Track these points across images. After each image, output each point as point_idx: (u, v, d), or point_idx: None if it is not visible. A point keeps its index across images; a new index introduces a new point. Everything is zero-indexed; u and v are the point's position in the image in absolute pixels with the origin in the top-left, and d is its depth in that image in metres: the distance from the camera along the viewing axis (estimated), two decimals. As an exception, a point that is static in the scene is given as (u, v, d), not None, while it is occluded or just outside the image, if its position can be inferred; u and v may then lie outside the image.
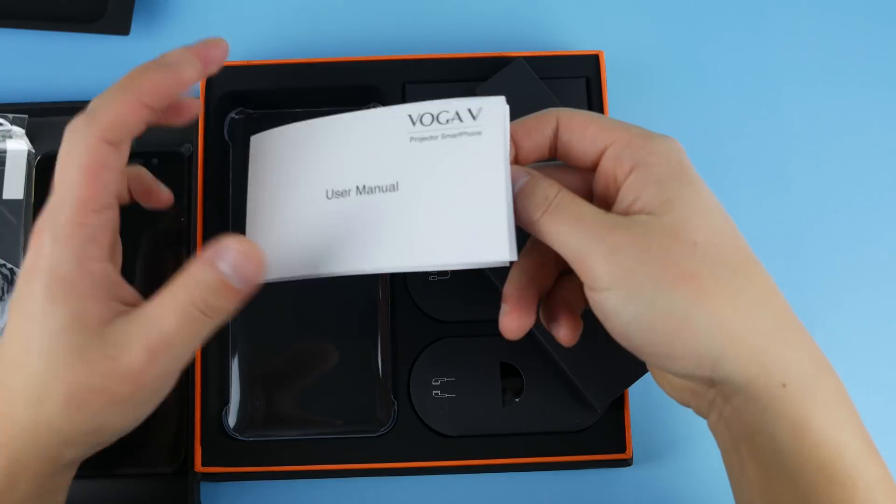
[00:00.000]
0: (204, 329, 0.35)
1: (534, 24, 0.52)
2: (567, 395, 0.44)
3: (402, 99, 0.48)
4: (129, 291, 0.36)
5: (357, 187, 0.36)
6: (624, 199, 0.34)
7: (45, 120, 0.49)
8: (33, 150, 0.48)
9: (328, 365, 0.45)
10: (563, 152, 0.36)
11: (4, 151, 0.48)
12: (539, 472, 0.45)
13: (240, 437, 0.44)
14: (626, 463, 0.44)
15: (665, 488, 0.46)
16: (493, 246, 0.34)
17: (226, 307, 0.35)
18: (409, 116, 0.36)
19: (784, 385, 0.33)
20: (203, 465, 0.44)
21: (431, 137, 0.36)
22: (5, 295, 0.46)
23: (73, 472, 0.37)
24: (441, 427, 0.44)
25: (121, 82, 0.35)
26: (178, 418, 0.45)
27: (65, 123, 0.48)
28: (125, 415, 0.35)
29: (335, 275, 0.36)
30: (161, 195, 0.41)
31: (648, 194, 0.33)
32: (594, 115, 0.36)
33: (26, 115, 0.48)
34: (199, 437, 0.44)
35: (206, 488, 0.45)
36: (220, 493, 0.46)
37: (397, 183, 0.36)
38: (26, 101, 0.49)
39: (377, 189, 0.36)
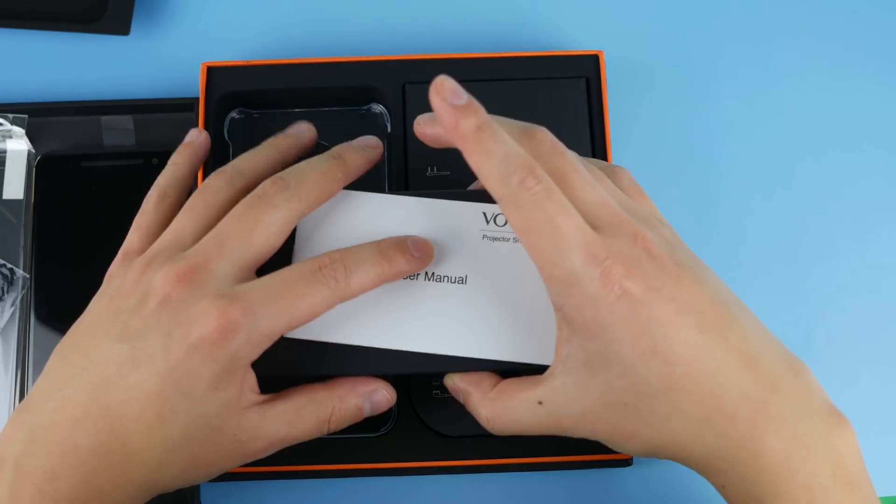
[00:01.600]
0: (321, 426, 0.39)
1: (533, 24, 0.52)
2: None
3: (402, 99, 0.48)
4: (259, 399, 0.37)
5: (427, 273, 0.39)
6: (556, 350, 0.37)
7: (45, 120, 0.49)
8: (33, 150, 0.48)
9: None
10: None
11: (4, 151, 0.48)
12: (539, 472, 0.45)
13: None
14: (626, 463, 0.44)
15: (665, 488, 0.46)
16: (543, 351, 0.38)
17: (344, 426, 0.39)
18: (484, 214, 0.40)
19: (723, 486, 0.36)
20: (203, 465, 0.44)
21: (503, 238, 0.39)
22: (5, 295, 0.46)
23: None
24: (441, 427, 0.44)
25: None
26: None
27: (65, 123, 0.49)
28: (215, 475, 0.38)
29: (385, 349, 0.39)
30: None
31: (573, 355, 0.36)
32: (548, 217, 0.34)
33: (26, 115, 0.48)
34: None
35: (206, 488, 0.45)
36: (220, 493, 0.46)
37: (466, 277, 0.39)
38: (26, 101, 0.49)
39: (446, 279, 0.39)
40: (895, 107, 0.52)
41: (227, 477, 0.44)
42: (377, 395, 0.39)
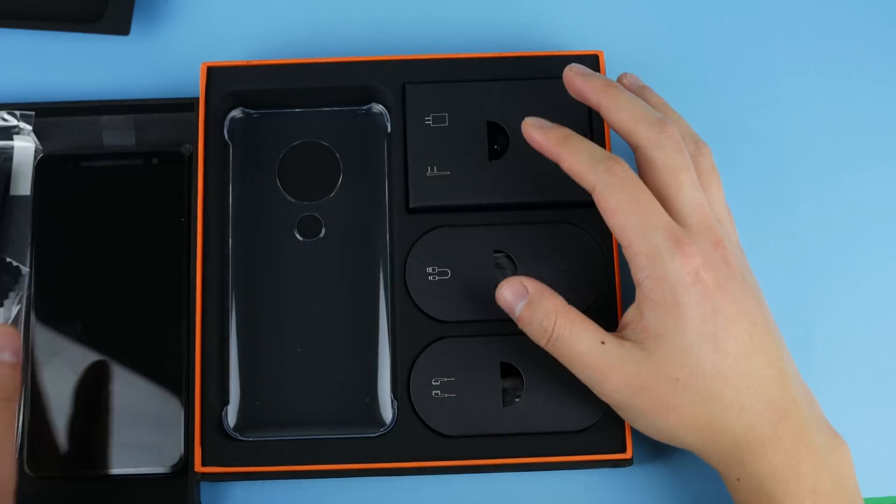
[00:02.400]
0: (11, 410, 0.39)
1: (533, 23, 0.52)
2: (567, 395, 0.44)
3: (403, 99, 0.48)
4: None
5: None
6: (630, 316, 0.41)
7: (45, 120, 0.49)
8: (41, 148, 0.48)
9: (328, 365, 0.45)
10: None
11: (12, 148, 0.48)
12: (539, 472, 0.45)
13: (240, 437, 0.44)
14: (627, 463, 0.44)
15: (665, 488, 0.46)
16: None
17: (14, 382, 0.40)
18: None
19: (738, 479, 0.40)
20: (203, 465, 0.44)
21: None
22: (11, 292, 0.47)
23: None
24: (441, 427, 0.44)
25: None
26: (178, 418, 0.45)
27: (65, 123, 0.49)
28: None
29: None
30: None
31: (645, 322, 0.40)
32: (629, 200, 0.40)
33: (34, 113, 0.48)
34: (199, 437, 0.44)
35: (205, 488, 0.45)
36: (220, 493, 0.46)
37: None
38: (26, 101, 0.49)
39: None
40: (895, 106, 0.52)
41: (227, 477, 0.44)
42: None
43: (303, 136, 0.48)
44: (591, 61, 0.48)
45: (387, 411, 0.44)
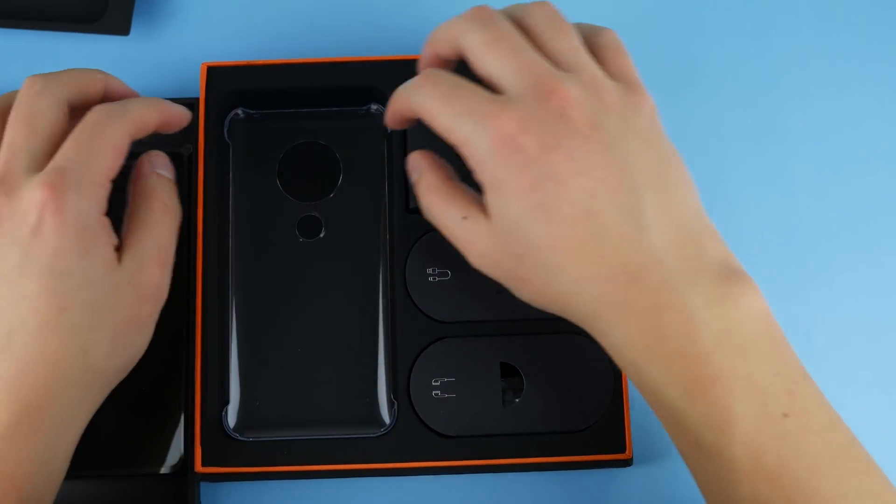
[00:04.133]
0: (178, 224, 0.41)
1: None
2: (567, 395, 0.44)
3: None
4: (115, 236, 0.39)
5: None
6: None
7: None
8: None
9: (328, 365, 0.45)
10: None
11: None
12: (539, 472, 0.45)
13: (240, 438, 0.44)
14: (626, 463, 0.44)
15: (665, 488, 0.46)
16: None
17: (176, 199, 0.41)
18: None
19: (607, 349, 0.37)
20: (203, 465, 0.44)
21: None
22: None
23: None
24: (441, 427, 0.44)
25: (150, 99, 0.42)
26: (178, 418, 0.45)
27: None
28: (148, 335, 0.40)
29: None
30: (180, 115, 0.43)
31: (485, 200, 0.37)
32: (451, 86, 0.38)
33: None
34: (199, 438, 0.44)
35: (206, 489, 0.45)
36: (220, 493, 0.46)
37: None
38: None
39: None
40: (895, 106, 0.52)
41: (228, 477, 0.44)
42: (157, 159, 0.42)
43: (303, 136, 0.48)
44: (592, 61, 0.48)
45: (386, 412, 0.44)
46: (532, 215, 0.35)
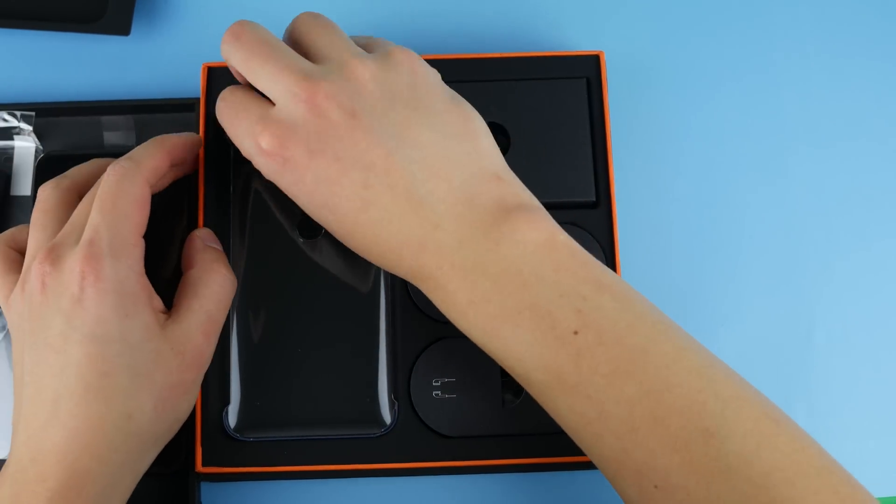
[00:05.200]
0: (230, 295, 0.42)
1: (534, 24, 0.52)
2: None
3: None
4: (158, 299, 0.40)
5: None
6: None
7: (46, 120, 0.49)
8: (41, 148, 0.48)
9: (328, 366, 0.45)
10: None
11: (12, 149, 0.48)
12: (539, 472, 0.45)
13: (240, 438, 0.44)
14: (627, 463, 0.44)
15: (665, 488, 0.46)
16: None
17: (230, 272, 0.43)
18: None
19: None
20: (204, 465, 0.44)
21: None
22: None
23: None
24: (441, 428, 0.44)
25: (154, 140, 0.42)
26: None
27: (65, 123, 0.49)
28: (192, 399, 0.41)
29: None
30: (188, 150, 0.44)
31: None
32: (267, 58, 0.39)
33: (34, 113, 0.48)
34: (200, 438, 0.44)
35: (206, 489, 0.45)
36: (221, 493, 0.46)
37: None
38: (26, 101, 0.49)
39: None
40: (895, 106, 0.52)
41: (228, 477, 0.44)
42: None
43: None
44: (592, 61, 0.48)
45: (386, 412, 0.44)
46: (320, 214, 0.39)
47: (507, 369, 0.39)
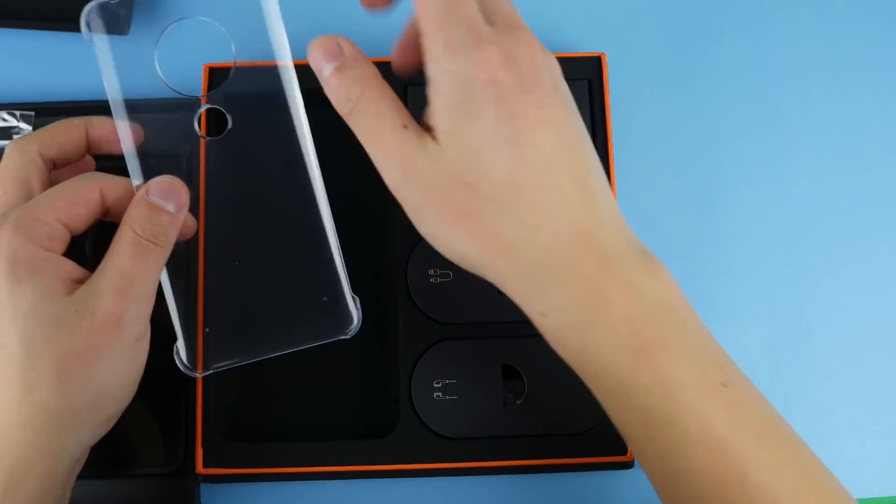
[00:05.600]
0: (158, 259, 0.38)
1: (535, 25, 0.51)
2: (568, 397, 0.44)
3: (405, 101, 0.47)
4: (78, 269, 0.37)
5: None
6: (428, 111, 0.36)
7: (45, 120, 0.49)
8: None
9: (278, 277, 0.42)
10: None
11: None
12: (540, 474, 0.45)
13: (196, 374, 0.42)
14: (628, 465, 0.44)
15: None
16: None
17: (169, 232, 0.38)
18: None
19: (543, 313, 0.35)
20: (204, 466, 0.44)
21: None
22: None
23: (78, 468, 0.38)
24: (442, 429, 0.44)
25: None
26: (178, 418, 0.45)
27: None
28: (115, 372, 0.36)
29: None
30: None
31: (440, 120, 0.35)
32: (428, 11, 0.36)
33: (33, 113, 0.48)
34: (201, 439, 0.44)
35: (206, 489, 0.45)
36: (221, 494, 0.46)
37: None
38: (26, 101, 0.49)
39: None
40: (895, 106, 0.52)
41: (229, 479, 0.44)
42: (155, 187, 0.39)
43: None
44: (594, 63, 0.48)
45: (352, 309, 0.41)
46: (499, 146, 0.34)
47: (645, 408, 0.35)
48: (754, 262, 0.49)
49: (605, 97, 0.47)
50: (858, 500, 0.46)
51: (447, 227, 0.35)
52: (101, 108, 0.49)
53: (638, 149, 0.50)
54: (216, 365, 0.42)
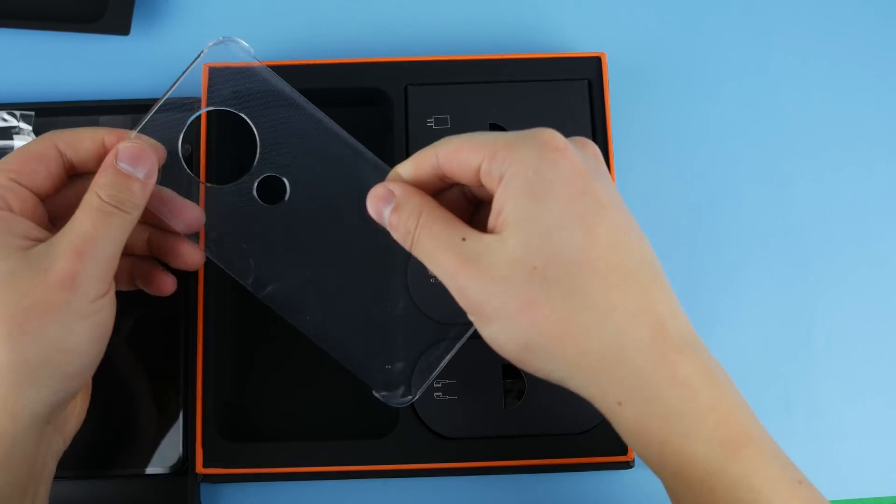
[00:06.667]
0: (123, 224, 0.37)
1: (536, 25, 0.52)
2: (569, 397, 0.44)
3: (405, 101, 0.47)
4: (37, 229, 0.37)
5: None
6: (493, 213, 0.35)
7: (45, 120, 0.49)
8: None
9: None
10: (453, 181, 0.37)
11: (12, 148, 0.48)
12: (540, 474, 0.45)
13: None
14: (628, 465, 0.44)
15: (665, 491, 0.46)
16: None
17: (135, 198, 0.38)
18: None
19: (619, 403, 0.34)
20: (205, 466, 0.44)
21: None
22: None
23: (46, 436, 0.37)
24: (443, 429, 0.44)
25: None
26: (178, 418, 0.45)
27: (65, 123, 0.49)
28: (71, 330, 0.36)
29: None
30: (163, 282, 0.43)
31: (507, 212, 0.34)
32: (467, 136, 0.36)
33: (33, 113, 0.48)
34: (201, 439, 0.44)
35: (206, 490, 0.45)
36: (221, 494, 0.46)
37: None
38: (26, 100, 0.49)
39: None
40: (895, 106, 0.52)
41: (228, 478, 0.44)
42: (123, 153, 0.39)
43: None
44: (594, 63, 0.48)
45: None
46: (571, 225, 0.33)
47: (730, 502, 0.33)
48: (754, 262, 0.49)
49: (605, 97, 0.47)
50: (858, 500, 0.46)
51: (511, 323, 0.34)
52: (101, 107, 0.49)
53: (638, 149, 0.50)
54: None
